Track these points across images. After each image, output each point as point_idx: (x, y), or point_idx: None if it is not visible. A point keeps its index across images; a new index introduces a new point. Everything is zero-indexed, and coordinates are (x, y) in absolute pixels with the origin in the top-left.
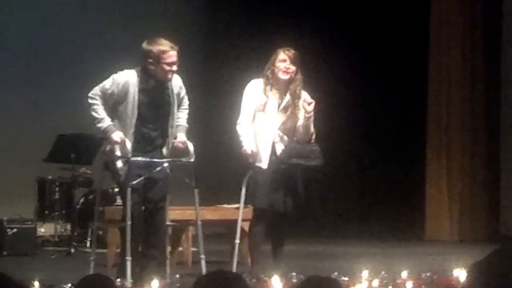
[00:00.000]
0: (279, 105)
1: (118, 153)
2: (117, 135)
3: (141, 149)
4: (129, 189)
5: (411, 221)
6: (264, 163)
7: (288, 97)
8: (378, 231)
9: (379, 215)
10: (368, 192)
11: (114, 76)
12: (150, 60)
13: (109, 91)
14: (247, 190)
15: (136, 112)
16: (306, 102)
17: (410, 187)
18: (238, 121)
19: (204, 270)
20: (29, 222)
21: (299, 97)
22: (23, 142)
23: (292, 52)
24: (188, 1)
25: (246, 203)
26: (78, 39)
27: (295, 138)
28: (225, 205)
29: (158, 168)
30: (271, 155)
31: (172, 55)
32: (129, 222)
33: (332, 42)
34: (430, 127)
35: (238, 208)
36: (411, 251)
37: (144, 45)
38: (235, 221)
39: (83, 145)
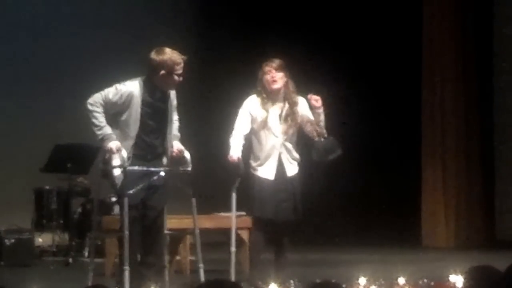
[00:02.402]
0: (279, 116)
1: (115, 162)
2: (113, 144)
3: (142, 157)
4: (126, 198)
5: (408, 228)
6: (271, 174)
7: (286, 105)
8: (375, 238)
9: (376, 222)
10: (365, 199)
11: (118, 86)
12: (163, 72)
13: (112, 101)
14: (253, 200)
15: (138, 122)
16: (313, 99)
17: (406, 194)
18: (231, 133)
19: (202, 278)
20: (27, 233)
21: (296, 104)
22: (20, 152)
23: (274, 61)
24: (184, 14)
25: (242, 210)
26: (76, 50)
27: (316, 138)
28: (223, 214)
29: (155, 177)
30: (277, 166)
31: (182, 66)
32: (126, 232)
33: (325, 57)
34: (425, 135)
35: (236, 216)
36: (408, 257)
37: (155, 56)
38: None
39: (80, 155)
